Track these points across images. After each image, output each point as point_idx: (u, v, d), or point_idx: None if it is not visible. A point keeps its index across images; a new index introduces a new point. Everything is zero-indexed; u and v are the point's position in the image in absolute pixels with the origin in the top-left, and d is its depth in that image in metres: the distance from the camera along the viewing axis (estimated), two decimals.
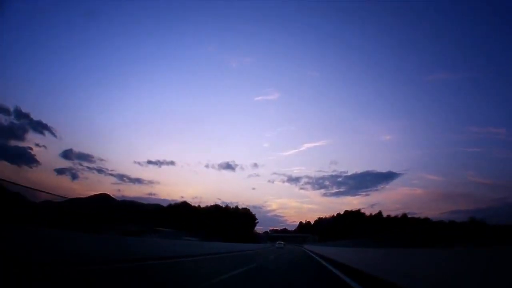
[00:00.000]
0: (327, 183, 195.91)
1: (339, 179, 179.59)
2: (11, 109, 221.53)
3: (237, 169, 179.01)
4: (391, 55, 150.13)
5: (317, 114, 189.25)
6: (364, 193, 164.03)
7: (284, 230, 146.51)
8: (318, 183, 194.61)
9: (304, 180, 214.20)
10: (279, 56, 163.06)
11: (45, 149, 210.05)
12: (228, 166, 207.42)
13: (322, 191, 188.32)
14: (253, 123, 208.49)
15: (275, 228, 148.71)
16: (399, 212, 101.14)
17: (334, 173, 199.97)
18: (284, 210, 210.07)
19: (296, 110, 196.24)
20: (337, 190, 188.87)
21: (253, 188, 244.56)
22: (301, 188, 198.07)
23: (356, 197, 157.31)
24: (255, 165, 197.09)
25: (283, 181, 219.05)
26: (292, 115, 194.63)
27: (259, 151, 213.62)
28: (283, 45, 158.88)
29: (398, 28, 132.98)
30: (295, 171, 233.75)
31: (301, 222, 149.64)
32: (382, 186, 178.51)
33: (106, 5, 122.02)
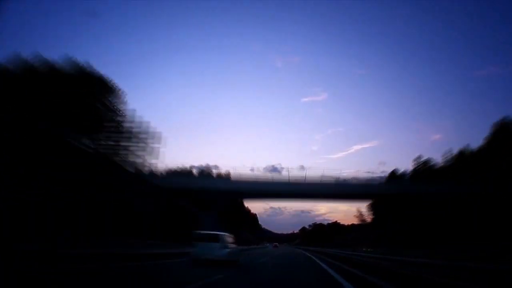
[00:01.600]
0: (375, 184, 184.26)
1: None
2: None
3: (284, 172, 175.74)
4: (439, 51, 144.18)
5: (366, 114, 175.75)
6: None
7: None
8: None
9: (352, 182, 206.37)
10: (326, 54, 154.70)
11: None
12: (274, 170, 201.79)
13: None
14: (300, 125, 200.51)
15: None
16: None
17: (383, 174, 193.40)
18: (333, 213, 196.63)
19: (345, 110, 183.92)
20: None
21: None
22: None
23: None
24: (302, 168, 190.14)
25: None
26: (341, 116, 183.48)
27: (306, 154, 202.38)
28: (330, 42, 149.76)
29: (447, 24, 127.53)
30: (344, 174, 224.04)
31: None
32: None
33: (153, 6, 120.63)
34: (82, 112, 18.94)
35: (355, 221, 66.92)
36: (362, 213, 58.84)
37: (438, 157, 43.33)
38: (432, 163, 42.12)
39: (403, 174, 46.77)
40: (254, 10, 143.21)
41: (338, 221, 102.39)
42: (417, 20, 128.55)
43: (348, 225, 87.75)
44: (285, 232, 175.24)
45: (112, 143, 23.01)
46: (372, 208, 52.14)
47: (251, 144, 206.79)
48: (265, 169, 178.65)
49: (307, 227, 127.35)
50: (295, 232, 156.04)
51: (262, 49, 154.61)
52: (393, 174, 47.97)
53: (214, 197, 34.14)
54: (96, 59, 76.11)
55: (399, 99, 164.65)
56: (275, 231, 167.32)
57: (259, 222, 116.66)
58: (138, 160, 25.14)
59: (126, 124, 23.94)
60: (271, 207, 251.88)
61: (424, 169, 42.15)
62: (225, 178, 40.61)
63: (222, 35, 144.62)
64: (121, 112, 23.23)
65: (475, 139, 76.32)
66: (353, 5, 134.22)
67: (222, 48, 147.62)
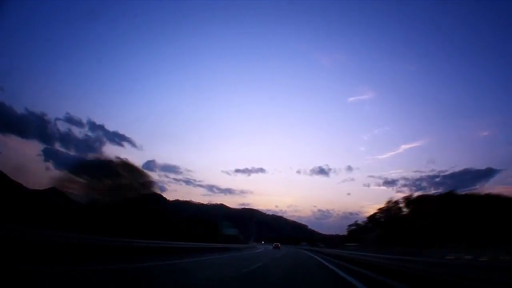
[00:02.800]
0: (424, 184, 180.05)
1: (437, 179, 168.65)
2: (84, 121, 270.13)
3: (331, 173, 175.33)
4: (488, 48, 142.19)
5: (414, 112, 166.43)
6: (463, 193, 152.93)
7: None
8: (415, 184, 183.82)
9: (400, 182, 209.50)
10: (372, 51, 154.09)
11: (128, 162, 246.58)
12: (321, 171, 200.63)
13: (420, 193, 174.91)
14: (347, 125, 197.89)
15: None
16: None
17: (431, 173, 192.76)
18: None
19: (392, 109, 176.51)
20: (434, 191, 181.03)
21: (348, 194, 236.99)
22: (398, 191, 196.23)
23: None
24: (350, 168, 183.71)
25: (379, 185, 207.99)
26: (388, 115, 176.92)
27: (354, 155, 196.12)
28: (376, 38, 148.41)
29: (495, 17, 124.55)
30: (392, 174, 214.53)
31: None
32: (481, 184, 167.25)
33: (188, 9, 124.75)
34: None
35: None
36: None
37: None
38: None
39: None
40: (296, 8, 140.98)
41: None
42: (468, 16, 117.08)
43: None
44: (333, 233, 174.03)
45: None
46: None
47: (297, 145, 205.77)
48: (312, 170, 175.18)
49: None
50: (339, 234, 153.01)
51: (306, 47, 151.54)
52: None
53: None
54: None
55: (446, 95, 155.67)
56: (323, 232, 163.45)
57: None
58: None
59: None
60: (319, 210, 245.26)
61: None
62: None
63: (264, 36, 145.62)
64: None
65: None
66: (401, 1, 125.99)
67: (265, 50, 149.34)
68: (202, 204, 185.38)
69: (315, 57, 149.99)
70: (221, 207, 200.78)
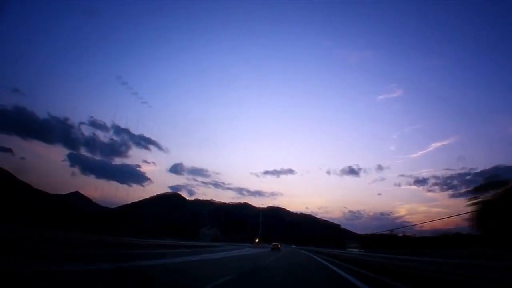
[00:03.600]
0: (455, 182, 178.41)
1: (468, 177, 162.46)
2: (109, 124, 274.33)
3: (361, 173, 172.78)
4: None
5: (445, 109, 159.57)
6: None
7: None
8: (446, 183, 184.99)
9: (431, 181, 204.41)
10: (401, 47, 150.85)
11: (154, 166, 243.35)
12: (352, 171, 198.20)
13: (450, 192, 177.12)
14: (377, 124, 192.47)
15: None
16: None
17: (462, 171, 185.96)
18: (413, 215, 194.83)
19: (422, 107, 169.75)
20: (465, 190, 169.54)
21: (379, 194, 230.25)
22: (429, 190, 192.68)
23: None
24: (380, 168, 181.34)
25: (410, 184, 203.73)
26: (418, 113, 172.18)
27: (384, 154, 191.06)
28: (404, 35, 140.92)
29: None
30: (423, 173, 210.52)
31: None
32: None
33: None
34: None
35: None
36: None
37: None
38: None
39: None
40: (322, 6, 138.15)
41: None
42: (496, 10, 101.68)
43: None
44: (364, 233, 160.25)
45: None
46: None
47: (326, 145, 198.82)
48: (342, 171, 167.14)
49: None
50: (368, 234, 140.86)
51: (334, 46, 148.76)
52: None
53: None
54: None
55: (476, 91, 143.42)
56: (356, 232, 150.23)
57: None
58: None
59: None
60: (350, 211, 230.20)
61: None
62: None
63: (290, 36, 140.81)
64: None
65: None
66: None
67: (292, 50, 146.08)
68: (224, 203, 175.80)
69: (343, 55, 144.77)
70: (245, 206, 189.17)
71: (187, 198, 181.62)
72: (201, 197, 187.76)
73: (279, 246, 45.39)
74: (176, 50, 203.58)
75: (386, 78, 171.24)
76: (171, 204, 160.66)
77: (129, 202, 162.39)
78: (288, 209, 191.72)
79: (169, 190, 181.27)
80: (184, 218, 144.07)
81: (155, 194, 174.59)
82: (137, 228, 78.63)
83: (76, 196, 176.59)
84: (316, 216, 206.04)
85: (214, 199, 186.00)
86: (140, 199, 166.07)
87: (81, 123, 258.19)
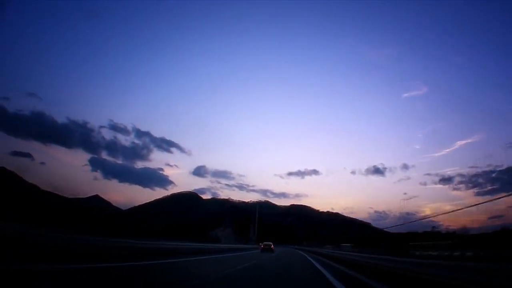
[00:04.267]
0: (481, 180, 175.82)
1: (493, 175, 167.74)
2: (129, 128, 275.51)
3: (386, 172, 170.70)
4: None
5: (469, 106, 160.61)
6: None
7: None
8: (471, 181, 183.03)
9: (457, 179, 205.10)
10: (424, 44, 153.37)
11: (177, 168, 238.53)
12: (377, 171, 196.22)
13: (476, 190, 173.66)
14: (401, 122, 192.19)
15: None
16: None
17: (488, 169, 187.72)
18: (438, 215, 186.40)
19: (446, 104, 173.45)
20: (490, 188, 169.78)
21: (404, 193, 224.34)
22: (454, 189, 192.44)
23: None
24: (405, 167, 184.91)
25: (435, 183, 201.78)
26: (442, 110, 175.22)
27: (409, 153, 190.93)
28: (428, 31, 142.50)
29: None
30: (448, 171, 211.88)
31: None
32: None
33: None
34: None
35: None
36: None
37: None
38: None
39: None
40: (342, 3, 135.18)
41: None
42: None
43: None
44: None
45: None
46: None
47: (350, 145, 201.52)
48: (367, 170, 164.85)
49: None
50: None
51: (355, 43, 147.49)
52: None
53: None
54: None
55: (499, 87, 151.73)
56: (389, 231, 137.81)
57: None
58: None
59: None
60: (376, 211, 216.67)
61: None
62: None
63: (311, 34, 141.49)
64: None
65: None
66: None
67: (314, 49, 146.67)
68: (243, 202, 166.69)
69: (365, 54, 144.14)
70: (266, 205, 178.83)
71: (203, 197, 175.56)
72: (218, 196, 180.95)
73: (272, 246, 36.50)
74: (198, 53, 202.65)
75: (410, 76, 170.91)
76: (185, 204, 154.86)
77: (142, 203, 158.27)
78: (314, 207, 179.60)
79: (187, 191, 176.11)
80: (197, 218, 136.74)
81: (168, 194, 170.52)
82: (140, 229, 72.83)
83: (96, 200, 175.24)
84: (343, 215, 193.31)
85: (232, 198, 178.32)
86: (151, 199, 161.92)
87: (101, 126, 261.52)
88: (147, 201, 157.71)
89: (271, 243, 38.11)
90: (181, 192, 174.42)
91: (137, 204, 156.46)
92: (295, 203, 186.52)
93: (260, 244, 39.86)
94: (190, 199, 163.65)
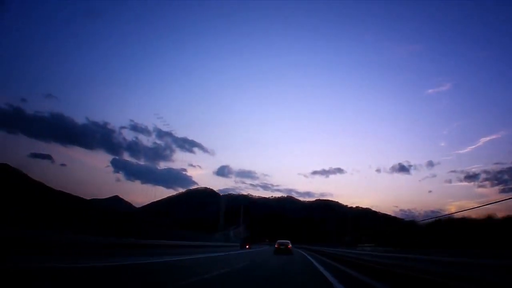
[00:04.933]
0: (506, 176, 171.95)
1: None
2: (150, 128, 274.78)
3: (412, 170, 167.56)
4: None
5: (493, 102, 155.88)
6: None
7: None
8: (496, 178, 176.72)
9: (482, 176, 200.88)
10: (449, 39, 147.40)
11: (200, 169, 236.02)
12: (402, 168, 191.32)
13: (501, 186, 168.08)
14: (426, 119, 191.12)
15: None
16: None
17: None
18: (463, 213, 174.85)
19: (470, 100, 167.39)
20: None
21: (430, 191, 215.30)
22: (479, 186, 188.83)
23: None
24: (430, 164, 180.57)
25: (460, 180, 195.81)
26: (467, 107, 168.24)
27: (434, 150, 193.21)
28: (452, 26, 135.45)
29: None
30: (473, 168, 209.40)
31: None
32: None
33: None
34: None
35: None
36: None
37: None
38: None
39: None
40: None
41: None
42: None
43: None
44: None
45: None
46: None
47: (375, 142, 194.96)
48: (392, 168, 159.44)
49: None
50: None
51: (379, 39, 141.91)
52: None
53: None
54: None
55: None
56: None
57: None
58: None
59: None
60: (401, 210, 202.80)
61: None
62: None
63: (333, 32, 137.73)
64: None
65: None
66: None
67: (336, 48, 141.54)
68: (263, 197, 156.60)
69: (390, 50, 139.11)
70: (288, 200, 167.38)
71: (220, 193, 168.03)
72: (236, 192, 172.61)
73: (290, 246, 28.94)
74: (221, 53, 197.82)
75: (434, 72, 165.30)
76: (201, 200, 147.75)
77: (156, 200, 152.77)
78: (342, 203, 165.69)
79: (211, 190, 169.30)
80: (212, 214, 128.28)
81: (184, 190, 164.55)
82: (142, 227, 66.70)
83: (115, 200, 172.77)
84: (375, 210, 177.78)
85: (251, 193, 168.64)
86: (165, 196, 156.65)
87: (122, 127, 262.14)
88: (159, 199, 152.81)
89: (288, 241, 30.22)
90: (197, 188, 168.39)
91: (150, 201, 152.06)
92: (320, 198, 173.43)
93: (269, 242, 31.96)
94: (206, 195, 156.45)
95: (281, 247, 27.36)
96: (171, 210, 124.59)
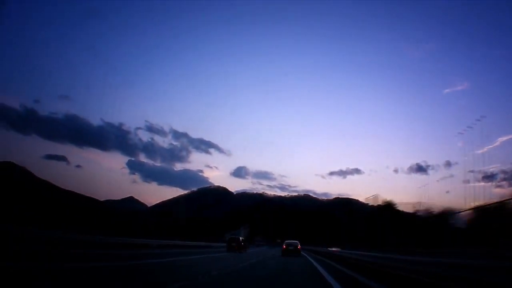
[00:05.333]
0: None
1: None
2: (166, 129, 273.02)
3: (429, 170, 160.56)
4: None
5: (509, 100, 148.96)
6: None
7: None
8: None
9: (500, 176, 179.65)
10: (465, 38, 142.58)
11: (217, 170, 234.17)
12: (420, 168, 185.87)
13: None
14: (443, 119, 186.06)
15: None
16: None
17: None
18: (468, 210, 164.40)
19: (489, 99, 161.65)
20: None
21: (447, 191, 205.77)
22: (497, 186, 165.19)
23: None
24: (448, 164, 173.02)
25: (478, 180, 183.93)
26: (485, 106, 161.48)
27: (451, 150, 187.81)
28: (469, 24, 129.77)
29: None
30: (491, 168, 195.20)
31: None
32: None
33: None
34: None
35: None
36: None
37: None
38: None
39: None
40: None
41: None
42: None
43: None
44: None
45: None
46: None
47: (392, 143, 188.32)
48: (410, 168, 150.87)
49: None
50: None
51: (393, 38, 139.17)
52: None
53: None
54: None
55: None
56: None
57: None
58: None
59: None
60: (416, 205, 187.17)
61: None
62: None
63: (349, 31, 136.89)
64: None
65: None
66: None
67: (352, 47, 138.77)
68: (278, 196, 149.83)
69: (404, 49, 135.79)
70: (304, 198, 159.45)
71: (233, 192, 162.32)
72: (249, 190, 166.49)
73: (299, 246, 27.59)
74: (236, 54, 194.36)
75: (451, 71, 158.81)
76: (214, 198, 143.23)
77: (167, 199, 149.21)
78: (361, 200, 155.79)
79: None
80: (223, 213, 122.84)
81: (195, 189, 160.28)
82: (144, 227, 62.93)
83: (130, 201, 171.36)
84: (397, 208, 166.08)
85: (266, 192, 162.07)
86: (176, 195, 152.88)
87: (138, 128, 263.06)
88: (170, 197, 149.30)
89: (297, 242, 28.51)
90: (209, 187, 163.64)
91: (160, 200, 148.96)
92: (339, 196, 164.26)
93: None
94: (218, 194, 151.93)
95: (289, 248, 25.72)
96: (180, 209, 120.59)
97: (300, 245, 27.68)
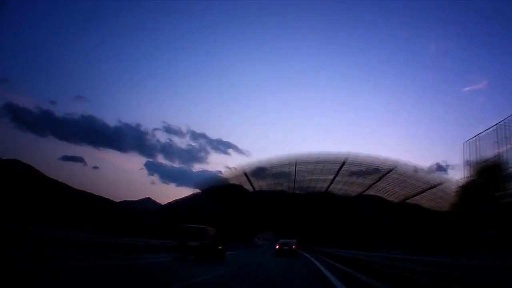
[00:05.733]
0: None
1: None
2: (184, 130, 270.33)
3: (449, 170, 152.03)
4: None
5: None
6: None
7: None
8: None
9: None
10: (485, 35, 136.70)
11: (236, 171, 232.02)
12: (439, 168, 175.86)
13: None
14: (462, 118, 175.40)
15: None
16: None
17: None
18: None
19: (509, 97, 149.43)
20: None
21: None
22: None
23: None
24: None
25: None
26: (505, 104, 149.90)
27: (471, 149, 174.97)
28: (488, 21, 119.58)
29: None
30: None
31: None
32: None
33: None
34: None
35: None
36: None
37: None
38: None
39: None
40: None
41: None
42: None
43: None
44: None
45: None
46: None
47: (410, 142, 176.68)
48: (430, 168, 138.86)
49: None
50: None
51: (410, 36, 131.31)
52: None
53: None
54: None
55: None
56: None
57: None
58: None
59: None
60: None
61: None
62: None
63: (365, 27, 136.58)
64: None
65: None
66: None
67: (367, 44, 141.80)
68: (298, 194, 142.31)
69: (422, 47, 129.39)
70: (326, 193, 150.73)
71: (250, 190, 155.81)
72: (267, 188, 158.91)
73: (294, 246, 25.05)
74: (254, 53, 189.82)
75: (470, 68, 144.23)
76: (230, 196, 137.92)
77: (179, 198, 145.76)
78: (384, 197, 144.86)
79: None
80: (239, 212, 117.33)
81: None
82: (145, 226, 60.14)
83: (147, 202, 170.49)
84: (423, 206, 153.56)
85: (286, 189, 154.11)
86: (185, 195, 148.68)
87: (155, 129, 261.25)
88: (181, 197, 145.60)
89: (293, 240, 25.86)
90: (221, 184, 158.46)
91: (171, 199, 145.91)
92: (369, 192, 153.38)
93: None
94: (236, 191, 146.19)
95: (284, 247, 24.43)
96: (191, 208, 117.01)
97: (314, 245, 23.82)
